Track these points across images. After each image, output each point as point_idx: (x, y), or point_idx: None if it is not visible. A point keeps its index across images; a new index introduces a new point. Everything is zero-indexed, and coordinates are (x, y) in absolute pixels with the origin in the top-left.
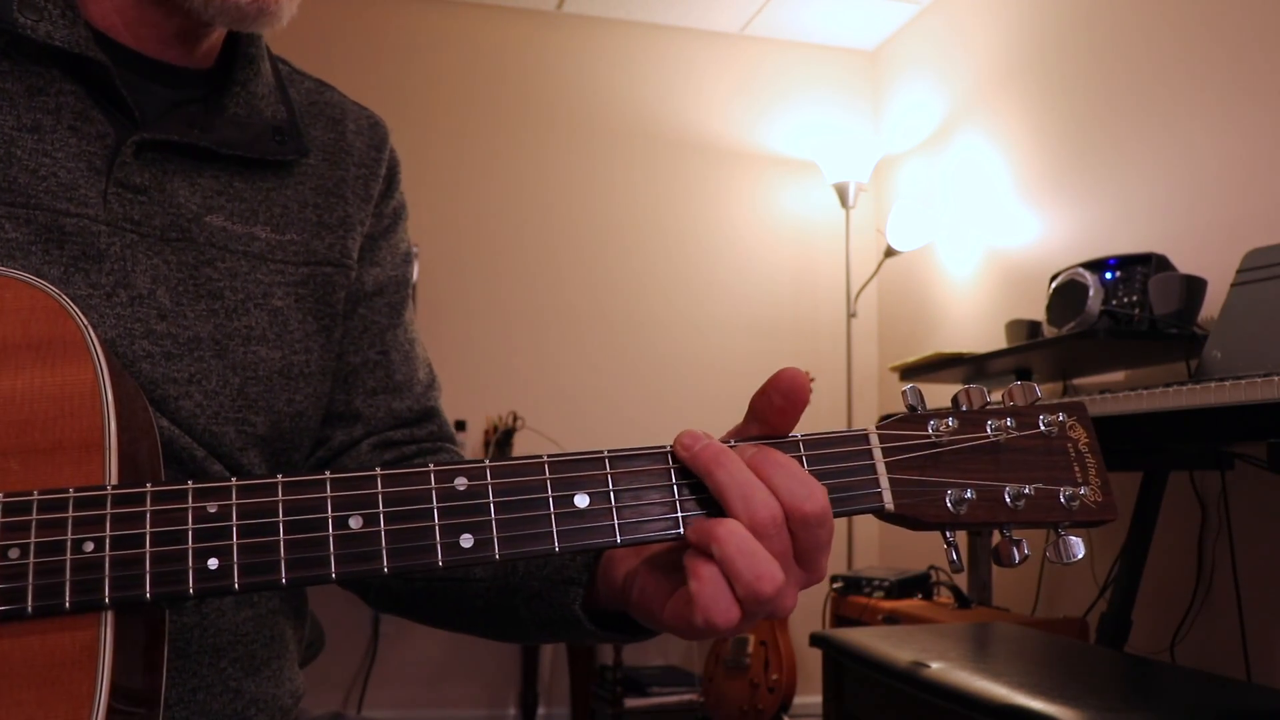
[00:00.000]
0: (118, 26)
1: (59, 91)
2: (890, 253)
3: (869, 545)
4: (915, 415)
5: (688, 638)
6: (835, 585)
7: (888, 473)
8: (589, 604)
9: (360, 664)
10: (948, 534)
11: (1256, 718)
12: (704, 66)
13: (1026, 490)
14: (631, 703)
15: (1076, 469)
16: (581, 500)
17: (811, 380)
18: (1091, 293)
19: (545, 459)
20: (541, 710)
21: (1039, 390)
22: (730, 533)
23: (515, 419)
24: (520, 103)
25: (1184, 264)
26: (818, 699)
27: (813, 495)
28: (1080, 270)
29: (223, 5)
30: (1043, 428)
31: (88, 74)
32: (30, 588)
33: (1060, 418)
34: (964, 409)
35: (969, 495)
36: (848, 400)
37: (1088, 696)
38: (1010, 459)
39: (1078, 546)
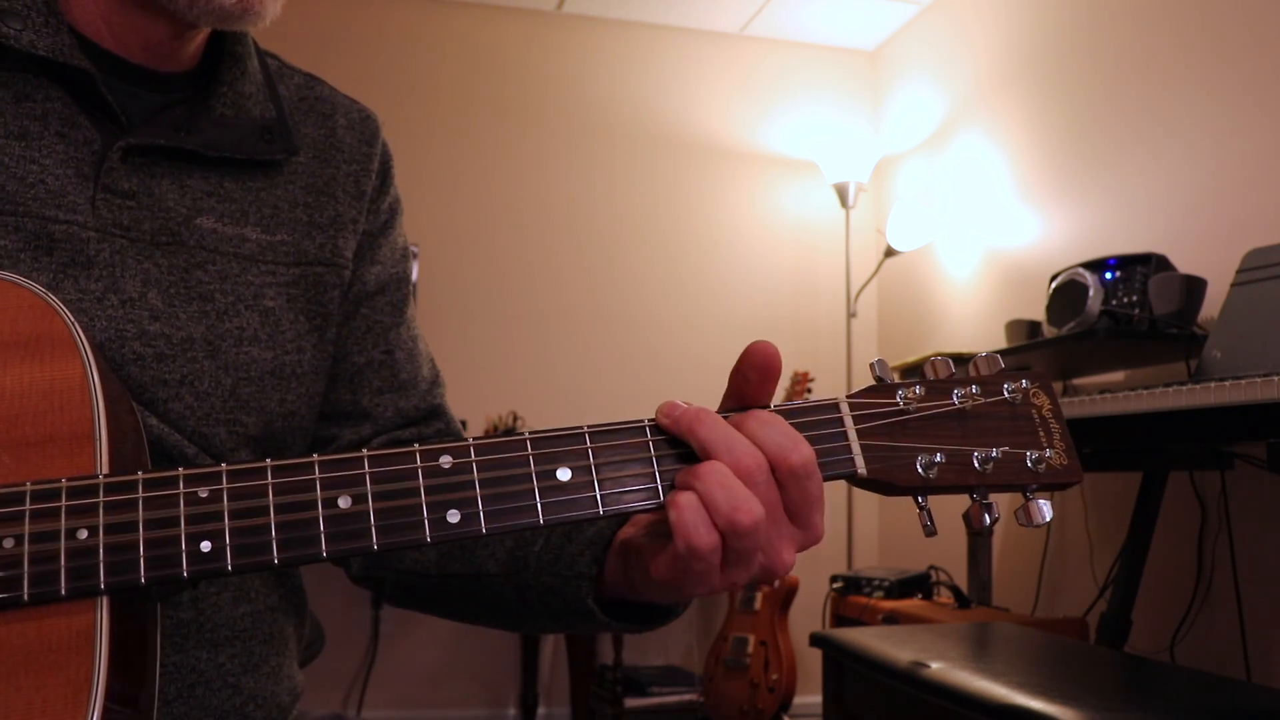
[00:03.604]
0: (101, 32)
1: (46, 98)
2: (890, 253)
3: (869, 545)
4: (884, 385)
5: (687, 592)
6: (835, 585)
7: (859, 439)
8: (600, 594)
9: (360, 664)
10: (920, 499)
11: (1256, 718)
12: (704, 66)
13: (994, 454)
14: (631, 703)
15: (1041, 434)
16: (564, 474)
17: (811, 380)
18: (1091, 293)
19: (527, 435)
20: (541, 710)
21: (1002, 361)
22: (710, 469)
23: (515, 419)
24: (520, 103)
25: (1184, 264)
26: (818, 699)
27: (797, 447)
28: (1080, 270)
29: (206, 6)
30: (1007, 395)
31: (73, 80)
32: (26, 575)
33: (1024, 384)
34: (930, 378)
35: (939, 459)
36: None
37: (1088, 696)
38: (977, 425)
39: (1045, 509)
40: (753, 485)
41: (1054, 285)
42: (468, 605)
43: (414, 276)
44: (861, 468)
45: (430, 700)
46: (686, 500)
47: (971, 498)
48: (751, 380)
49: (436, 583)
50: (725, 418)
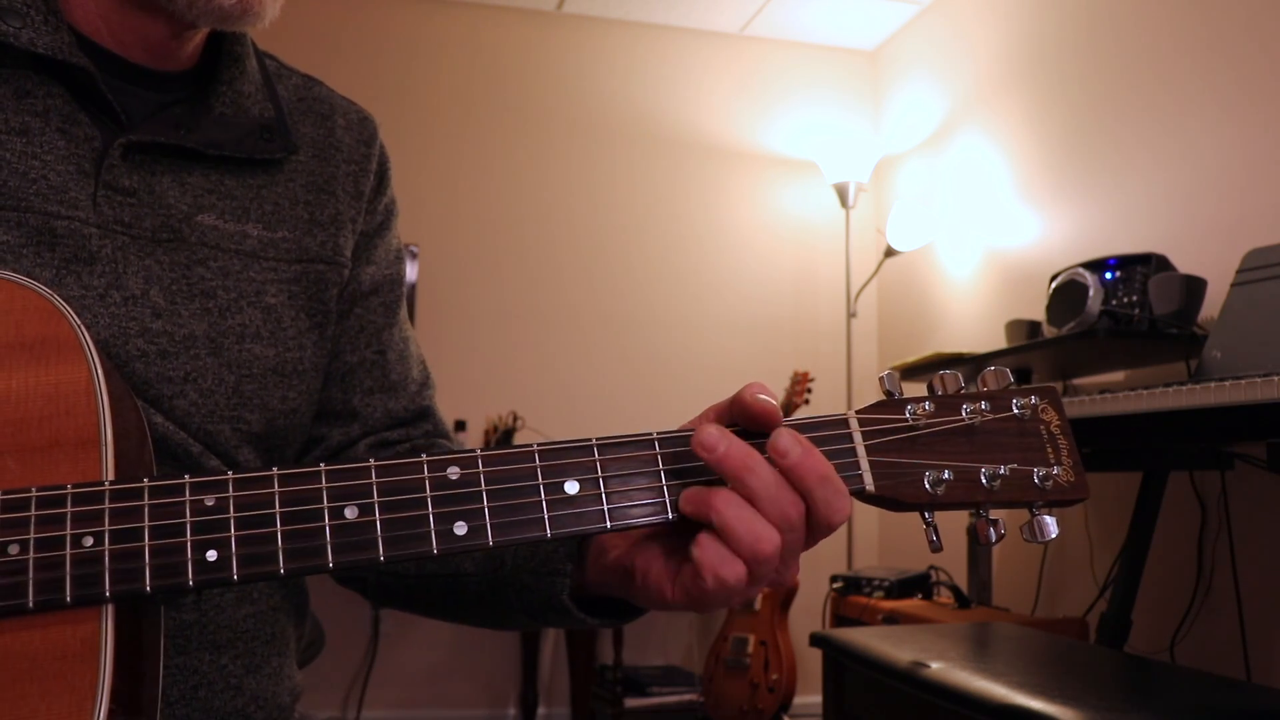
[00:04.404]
0: (101, 31)
1: (46, 95)
2: (890, 253)
3: (869, 545)
4: (893, 400)
5: (701, 610)
6: (835, 585)
7: (868, 455)
8: (576, 590)
9: (360, 664)
10: (927, 515)
11: (1256, 718)
12: (704, 66)
13: (1002, 471)
14: (631, 703)
15: (1049, 450)
16: (571, 487)
17: (811, 380)
18: (1091, 293)
19: (535, 448)
20: (541, 710)
21: (1011, 375)
22: (726, 502)
23: (515, 419)
24: (520, 103)
25: (1184, 264)
26: (818, 699)
27: (844, 509)
28: (1080, 270)
29: (205, 6)
30: (1016, 410)
31: (73, 79)
32: (31, 583)
33: (1033, 400)
34: (939, 393)
35: (947, 476)
36: (848, 400)
37: (1088, 696)
38: (985, 441)
39: (1051, 526)
40: (787, 531)
41: (1054, 285)
42: (446, 603)
43: (413, 277)
44: (870, 485)
45: (430, 701)
46: (707, 536)
47: (977, 513)
48: (756, 423)
49: (415, 582)
50: (775, 443)
